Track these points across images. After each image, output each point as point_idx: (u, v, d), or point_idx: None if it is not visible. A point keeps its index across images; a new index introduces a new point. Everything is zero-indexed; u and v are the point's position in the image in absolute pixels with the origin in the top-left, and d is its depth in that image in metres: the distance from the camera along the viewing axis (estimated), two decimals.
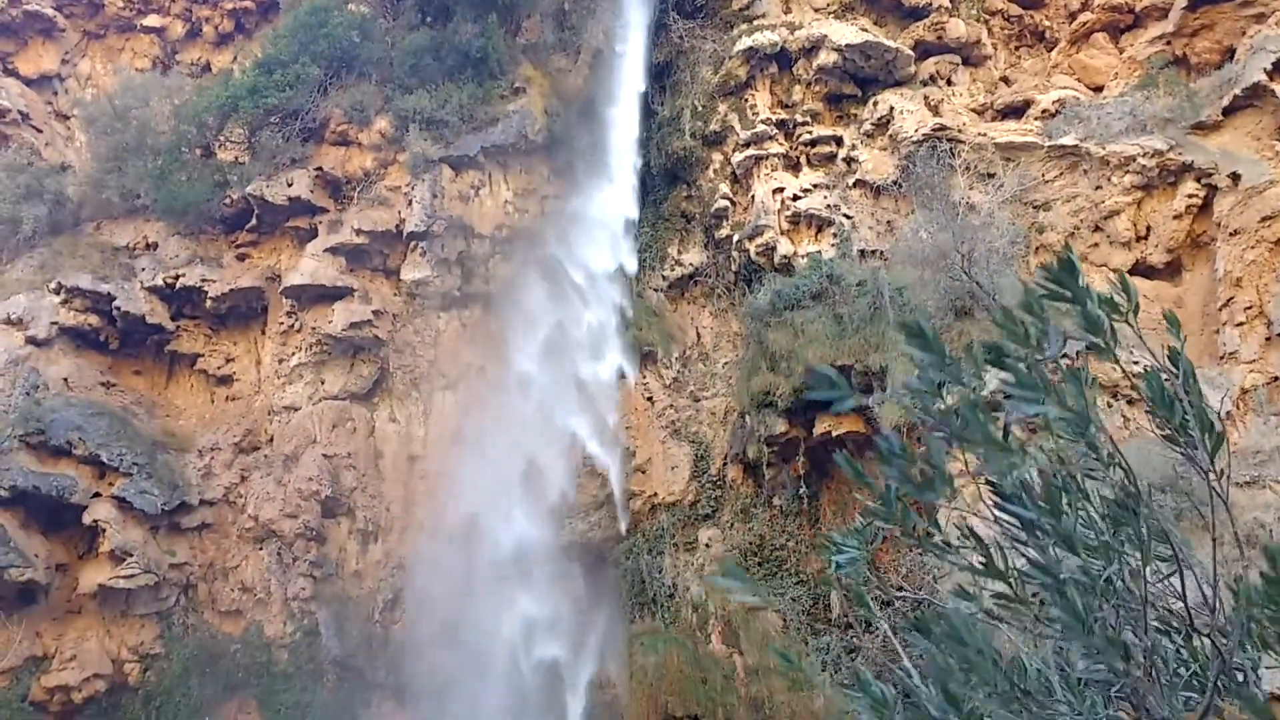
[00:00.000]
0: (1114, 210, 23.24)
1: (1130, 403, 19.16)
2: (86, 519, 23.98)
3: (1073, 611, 2.25)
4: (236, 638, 25.52)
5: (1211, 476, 2.42)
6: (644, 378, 26.61)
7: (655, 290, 27.59)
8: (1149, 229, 23.26)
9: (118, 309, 26.66)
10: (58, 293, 26.45)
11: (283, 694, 24.70)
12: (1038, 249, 23.37)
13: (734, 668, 22.23)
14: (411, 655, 23.83)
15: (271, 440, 26.99)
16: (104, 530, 23.89)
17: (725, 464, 25.12)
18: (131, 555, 24.04)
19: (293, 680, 24.81)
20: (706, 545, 24.46)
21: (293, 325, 27.56)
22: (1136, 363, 19.42)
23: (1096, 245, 23.30)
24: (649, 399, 26.48)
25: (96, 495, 24.43)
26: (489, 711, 22.47)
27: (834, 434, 21.89)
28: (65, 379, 25.92)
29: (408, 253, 27.43)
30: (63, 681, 23.06)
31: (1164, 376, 2.45)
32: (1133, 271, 23.31)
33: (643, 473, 25.67)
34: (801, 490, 23.29)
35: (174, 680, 24.64)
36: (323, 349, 27.08)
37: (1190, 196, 22.62)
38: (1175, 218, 22.79)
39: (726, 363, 26.33)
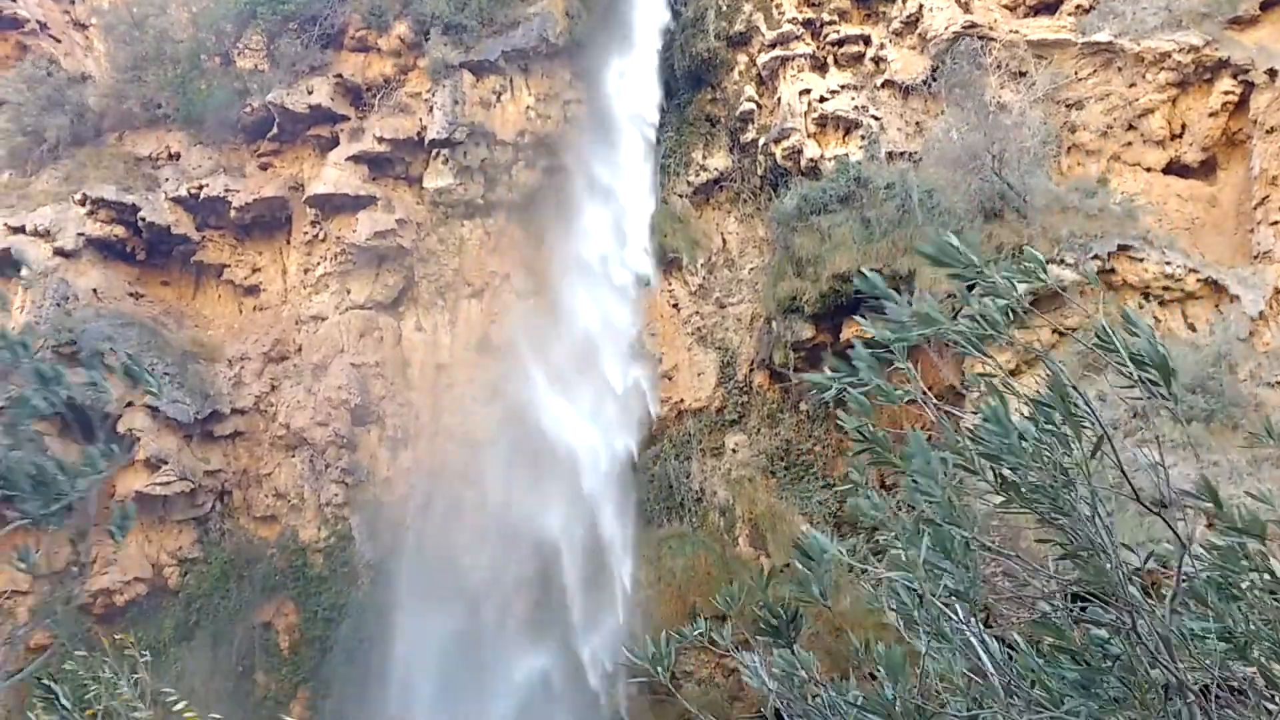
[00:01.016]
0: (1148, 108, 22.68)
1: (1162, 304, 18.94)
2: (121, 428, 24.37)
3: (1022, 494, 2.22)
4: (272, 542, 26.11)
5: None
6: (669, 285, 26.49)
7: (680, 196, 27.28)
8: (1184, 127, 22.72)
9: (143, 220, 26.71)
10: (83, 204, 26.50)
11: (319, 596, 25.31)
12: (1070, 149, 22.90)
13: (761, 569, 22.54)
14: (443, 559, 24.27)
15: (300, 350, 27.22)
16: (139, 439, 24.30)
17: (752, 370, 25.13)
18: (166, 463, 24.50)
19: (328, 583, 25.40)
20: (733, 450, 24.61)
21: (317, 235, 27.56)
22: (1169, 263, 19.11)
23: (1130, 144, 22.80)
24: (674, 306, 26.41)
25: (130, 405, 24.79)
26: (520, 613, 22.94)
27: (861, 339, 21.76)
28: (94, 290, 26.13)
29: (430, 161, 27.21)
30: (105, 585, 23.70)
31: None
32: (1167, 170, 22.83)
33: (669, 379, 25.74)
34: (829, 398, 23.27)
35: (213, 583, 25.29)
36: (348, 258, 27.10)
37: (1226, 93, 22.03)
38: (1210, 115, 22.23)
39: (752, 268, 26.14)
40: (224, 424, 26.25)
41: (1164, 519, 2.26)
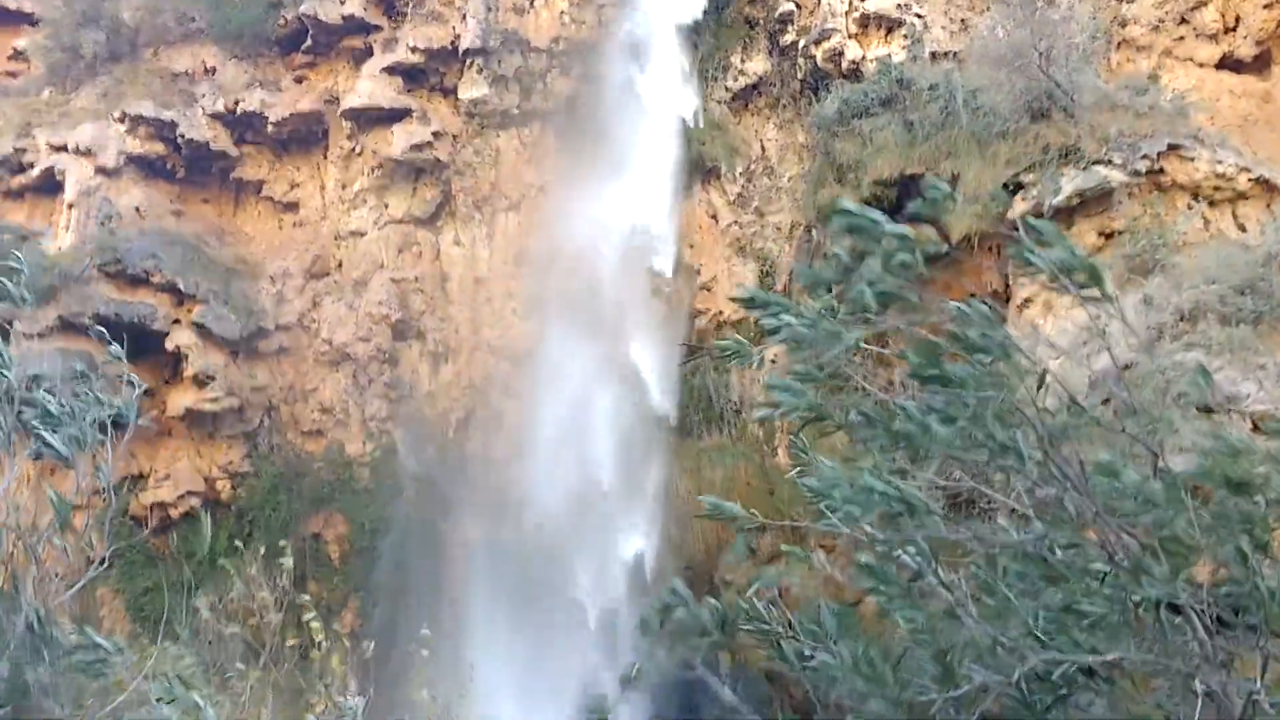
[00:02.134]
0: (1200, 1, 21.81)
1: (1212, 204, 18.40)
2: (168, 345, 24.72)
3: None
4: (319, 456, 26.57)
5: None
6: (707, 194, 26.16)
7: (718, 103, 26.76)
8: (1237, 20, 21.83)
9: (182, 136, 26.74)
10: (122, 121, 26.55)
11: (366, 508, 25.81)
12: (1120, 44, 22.12)
13: (798, 468, 22.61)
14: (486, 471, 24.58)
15: (340, 265, 27.35)
16: (186, 356, 24.66)
17: (791, 280, 24.89)
18: (214, 379, 24.87)
19: (374, 495, 25.88)
20: (773, 361, 24.47)
21: (354, 149, 27.46)
22: (1220, 162, 18.53)
23: (1182, 39, 21.98)
24: (713, 216, 26.11)
25: (176, 322, 25.12)
26: (560, 522, 23.24)
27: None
28: (136, 208, 26.31)
29: (464, 70, 26.86)
30: (159, 498, 24.29)
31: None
32: (1219, 65, 22.02)
33: (708, 291, 25.58)
34: (868, 301, 23.05)
35: (263, 496, 25.85)
36: (385, 173, 27.01)
37: None
38: (1265, 7, 21.35)
39: (792, 176, 25.71)
40: (268, 340, 26.55)
41: (1133, 439, 2.17)
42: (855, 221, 2.46)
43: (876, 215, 2.50)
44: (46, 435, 2.63)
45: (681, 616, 2.53)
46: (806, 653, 2.59)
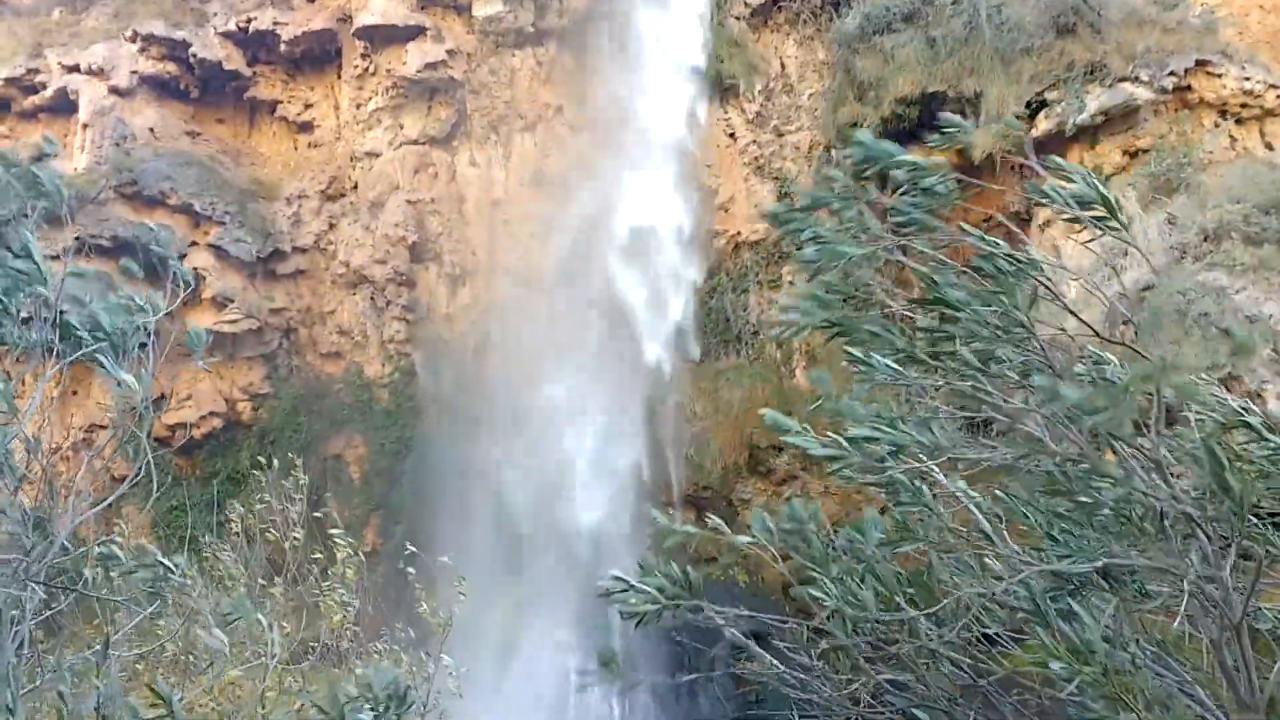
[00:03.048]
0: None
1: (1239, 122, 18.04)
2: (186, 266, 24.75)
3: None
4: (338, 378, 26.76)
5: None
6: (725, 113, 25.80)
7: (737, 19, 26.23)
8: None
9: (194, 56, 26.46)
10: (134, 41, 26.27)
11: (386, 430, 26.05)
12: None
13: (818, 400, 22.63)
14: (505, 393, 24.70)
15: (356, 187, 27.21)
16: (204, 278, 24.72)
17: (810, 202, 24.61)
18: (233, 301, 24.98)
19: (394, 417, 26.10)
20: (790, 282, 24.41)
21: (367, 69, 27.12)
22: (1248, 78, 18.12)
23: None
24: (731, 135, 25.78)
25: (193, 244, 25.14)
26: (581, 441, 23.39)
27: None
28: (151, 129, 26.17)
29: None
30: (182, 419, 24.55)
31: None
32: None
33: (725, 211, 25.37)
34: (888, 223, 22.83)
35: (284, 418, 26.12)
36: (399, 92, 26.70)
37: None
38: None
39: (812, 94, 25.29)
40: (285, 262, 26.57)
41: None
42: (870, 151, 2.43)
43: (891, 147, 2.46)
44: (95, 352, 2.64)
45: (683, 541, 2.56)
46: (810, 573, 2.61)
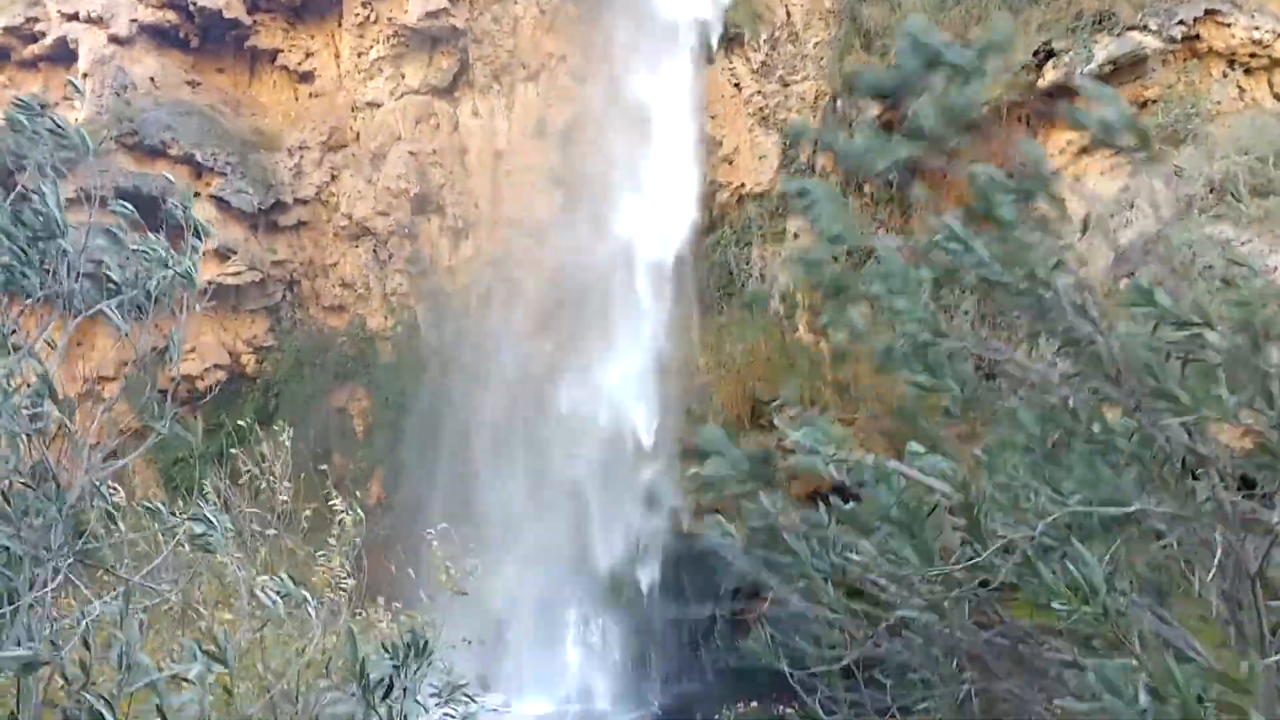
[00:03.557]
0: None
1: (1248, 72, 17.84)
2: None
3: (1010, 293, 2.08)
4: (341, 331, 26.77)
5: None
6: (730, 63, 25.49)
7: None
8: None
9: (194, 3, 26.15)
10: None
11: (389, 383, 26.10)
12: None
13: (821, 354, 22.64)
14: (508, 347, 24.69)
15: (358, 138, 27.03)
16: (198, 224, 24.60)
17: (815, 152, 24.43)
18: (235, 253, 24.92)
19: (397, 370, 26.14)
20: (795, 236, 24.27)
21: (368, 17, 26.82)
22: (1257, 27, 17.88)
23: None
24: (735, 85, 25.48)
25: (195, 195, 25.02)
26: (583, 396, 23.41)
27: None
28: (151, 78, 25.96)
29: None
30: (185, 371, 24.61)
31: None
32: None
33: (729, 163, 25.16)
34: (893, 177, 22.69)
35: (287, 370, 26.17)
36: (401, 41, 26.42)
37: None
38: None
39: (818, 43, 24.96)
40: (288, 214, 26.46)
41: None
42: (918, 42, 2.39)
43: (941, 38, 2.42)
44: (118, 305, 2.64)
45: (721, 462, 2.55)
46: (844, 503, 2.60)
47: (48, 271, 2.54)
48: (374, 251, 26.53)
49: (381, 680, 1.81)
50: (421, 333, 26.23)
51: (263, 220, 25.87)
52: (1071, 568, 1.64)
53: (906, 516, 2.16)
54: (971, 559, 2.17)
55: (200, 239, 3.04)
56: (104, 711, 1.89)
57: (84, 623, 2.14)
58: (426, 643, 1.88)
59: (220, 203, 24.97)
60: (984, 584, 2.38)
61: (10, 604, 1.98)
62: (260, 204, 25.52)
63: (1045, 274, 2.04)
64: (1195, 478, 2.18)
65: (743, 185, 25.00)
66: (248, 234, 25.53)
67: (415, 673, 1.84)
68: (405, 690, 1.83)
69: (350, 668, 1.81)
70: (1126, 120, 2.08)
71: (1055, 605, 1.66)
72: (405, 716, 1.82)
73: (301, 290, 27.04)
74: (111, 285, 2.63)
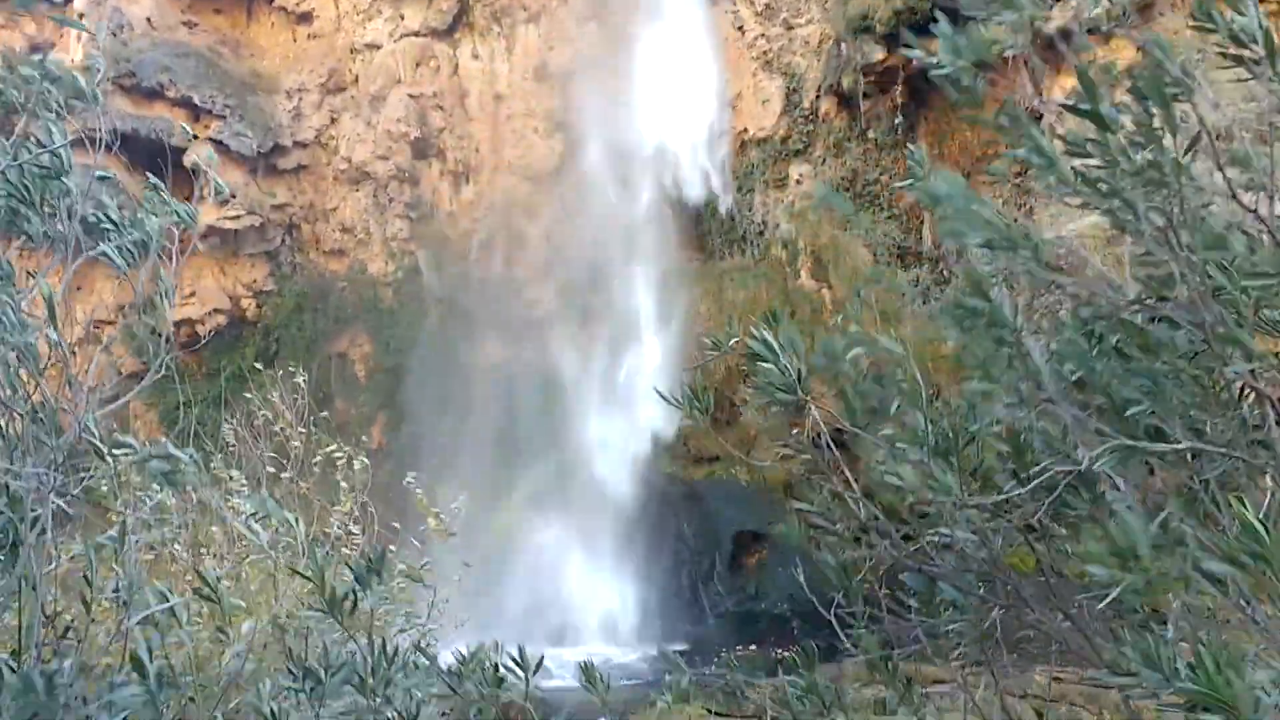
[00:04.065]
0: None
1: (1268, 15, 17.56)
2: (186, 161, 24.50)
3: (1101, 193, 2.02)
4: (342, 275, 26.70)
5: None
6: (734, 5, 25.16)
7: None
8: None
9: None
10: None
11: (390, 328, 26.09)
12: None
13: (822, 301, 22.60)
14: (509, 293, 24.64)
15: (357, 80, 26.74)
16: (205, 172, 24.46)
17: (819, 96, 24.18)
18: (234, 196, 24.76)
19: (398, 315, 26.10)
20: (797, 181, 24.12)
21: None
22: None
23: None
24: (739, 29, 25.16)
25: (195, 138, 24.83)
26: (585, 343, 23.40)
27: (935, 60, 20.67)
28: (148, 19, 25.62)
29: None
30: (186, 315, 24.59)
31: None
32: None
33: (732, 108, 24.94)
34: (898, 121, 22.49)
35: (288, 315, 26.13)
36: None
37: None
38: None
39: None
40: (287, 157, 26.26)
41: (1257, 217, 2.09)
42: None
43: None
44: (122, 249, 2.63)
45: (769, 368, 2.50)
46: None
47: (49, 213, 2.52)
48: (374, 196, 26.38)
49: (345, 595, 1.89)
50: (422, 278, 26.15)
51: (262, 164, 25.68)
52: (1113, 529, 1.62)
53: (946, 443, 2.13)
54: (1011, 491, 2.14)
55: (223, 190, 3.01)
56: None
57: (89, 555, 2.16)
58: (383, 561, 1.95)
59: (219, 146, 24.77)
60: (1026, 525, 2.36)
61: (11, 544, 2.00)
62: (259, 147, 25.32)
63: (1136, 192, 1.98)
64: (1251, 418, 2.14)
65: (745, 130, 24.79)
66: (247, 178, 25.36)
67: (376, 589, 1.93)
68: (371, 610, 1.91)
69: (318, 584, 1.88)
70: (1261, 33, 2.02)
71: (1094, 570, 1.63)
72: (371, 633, 1.91)
73: (301, 234, 26.92)
74: (110, 226, 2.62)
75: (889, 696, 2.85)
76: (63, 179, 2.51)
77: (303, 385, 6.03)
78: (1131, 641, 1.71)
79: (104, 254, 2.71)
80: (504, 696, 2.35)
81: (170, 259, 2.80)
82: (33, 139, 2.52)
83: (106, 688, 1.95)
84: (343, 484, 6.29)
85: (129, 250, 2.78)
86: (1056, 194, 2.23)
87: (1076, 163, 2.08)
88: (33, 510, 2.03)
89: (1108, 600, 1.66)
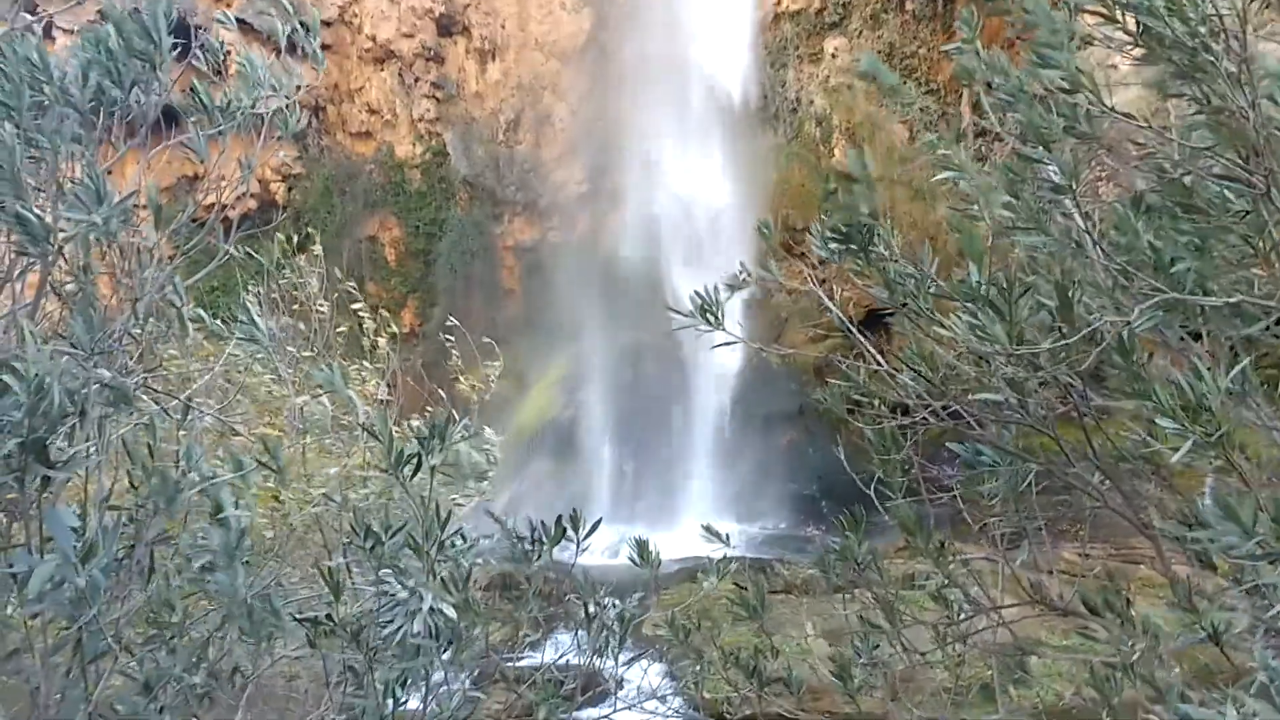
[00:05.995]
0: None
1: None
2: (211, 39, 24.14)
3: (1165, 45, 1.92)
4: (370, 158, 26.48)
5: None
6: None
7: None
8: None
9: None
10: None
11: (419, 211, 25.96)
12: None
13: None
14: (537, 174, 24.39)
15: None
16: (228, 52, 24.10)
17: None
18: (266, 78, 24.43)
19: (427, 198, 25.95)
20: (833, 56, 23.46)
21: None
22: None
23: None
24: None
25: (215, 19, 24.44)
26: (614, 225, 23.19)
27: None
28: None
29: None
30: (215, 200, 24.52)
31: None
32: None
33: None
34: None
35: (318, 198, 26.05)
36: None
37: None
38: None
39: None
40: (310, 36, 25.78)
41: None
42: None
43: None
44: (196, 129, 2.60)
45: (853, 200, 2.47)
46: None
47: (136, 87, 2.47)
48: (399, 75, 25.96)
49: (410, 457, 1.91)
50: (450, 161, 25.90)
51: (285, 42, 25.24)
52: (1178, 374, 1.57)
53: (998, 296, 2.08)
54: (1059, 342, 2.10)
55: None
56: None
57: (151, 428, 2.18)
58: (448, 426, 1.97)
59: (241, 24, 24.28)
60: (1067, 386, 2.32)
61: (66, 423, 2.01)
62: (283, 26, 24.86)
63: (1206, 33, 1.88)
64: None
65: (779, 2, 24.03)
66: (271, 57, 24.97)
67: (440, 452, 1.94)
68: (432, 470, 1.93)
69: (384, 449, 1.89)
70: None
71: (1163, 423, 1.58)
72: (432, 492, 1.94)
73: (327, 116, 26.62)
74: (200, 106, 2.57)
75: (921, 571, 2.86)
76: (158, 55, 2.44)
77: (318, 252, 6.00)
78: (1211, 492, 1.67)
79: (183, 142, 2.67)
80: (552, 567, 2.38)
81: (258, 136, 2.75)
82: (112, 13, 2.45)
83: (189, 535, 2.00)
84: (366, 364, 6.32)
85: (221, 130, 2.75)
86: (1117, 47, 2.13)
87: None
88: (86, 390, 2.03)
89: (1180, 454, 1.62)
